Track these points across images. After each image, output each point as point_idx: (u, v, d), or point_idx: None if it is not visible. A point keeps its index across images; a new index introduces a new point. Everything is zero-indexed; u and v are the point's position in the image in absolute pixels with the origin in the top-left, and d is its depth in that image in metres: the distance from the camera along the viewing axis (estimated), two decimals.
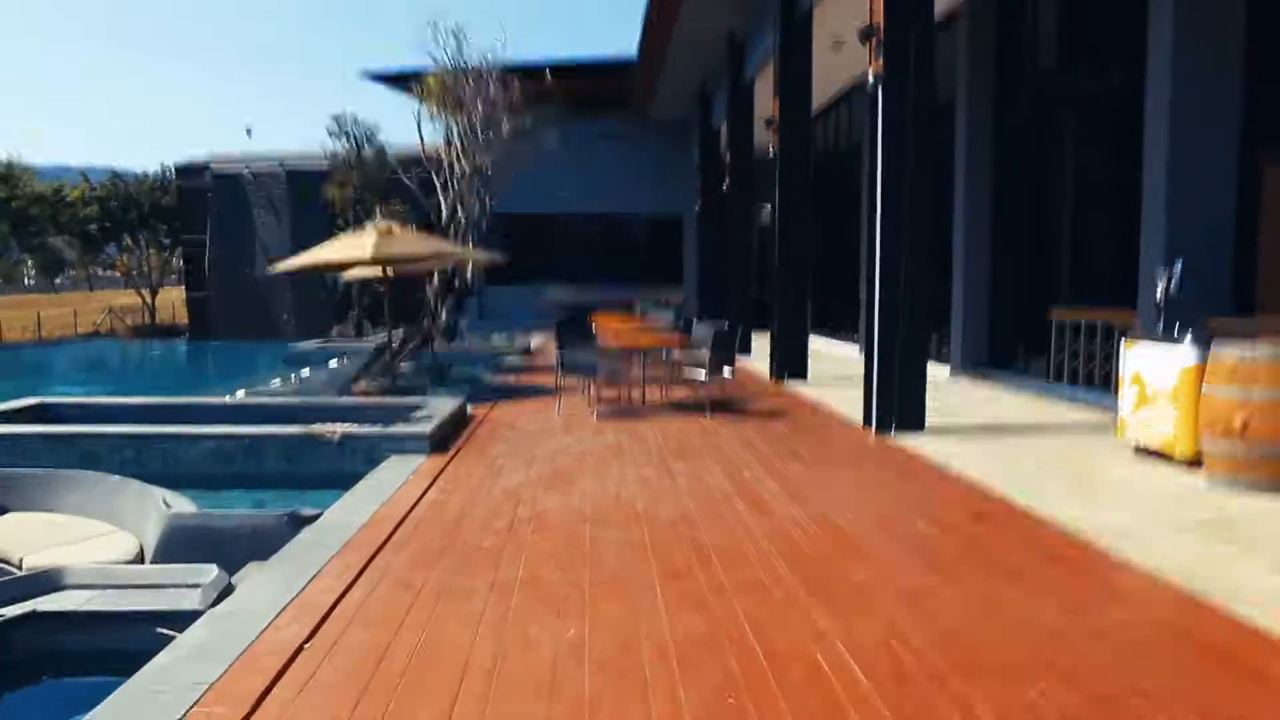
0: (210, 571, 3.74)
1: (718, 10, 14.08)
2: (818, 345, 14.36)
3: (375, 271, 12.31)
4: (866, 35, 7.49)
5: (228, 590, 3.65)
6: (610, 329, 12.24)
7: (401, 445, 6.52)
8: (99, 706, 2.58)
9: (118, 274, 53.42)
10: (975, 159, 10.82)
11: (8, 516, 5.33)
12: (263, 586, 3.69)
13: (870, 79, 7.48)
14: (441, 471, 5.97)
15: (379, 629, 3.30)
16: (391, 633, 3.26)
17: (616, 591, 3.69)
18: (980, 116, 10.77)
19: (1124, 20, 7.83)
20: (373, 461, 6.23)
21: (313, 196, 26.37)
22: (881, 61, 7.21)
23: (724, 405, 9.03)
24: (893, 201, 7.25)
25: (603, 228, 26.97)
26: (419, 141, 19.62)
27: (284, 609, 3.44)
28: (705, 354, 8.77)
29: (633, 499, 5.23)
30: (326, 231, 21.61)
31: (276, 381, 12.78)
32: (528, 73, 19.04)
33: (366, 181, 24.58)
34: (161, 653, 2.96)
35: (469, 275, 19.49)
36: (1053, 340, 9.28)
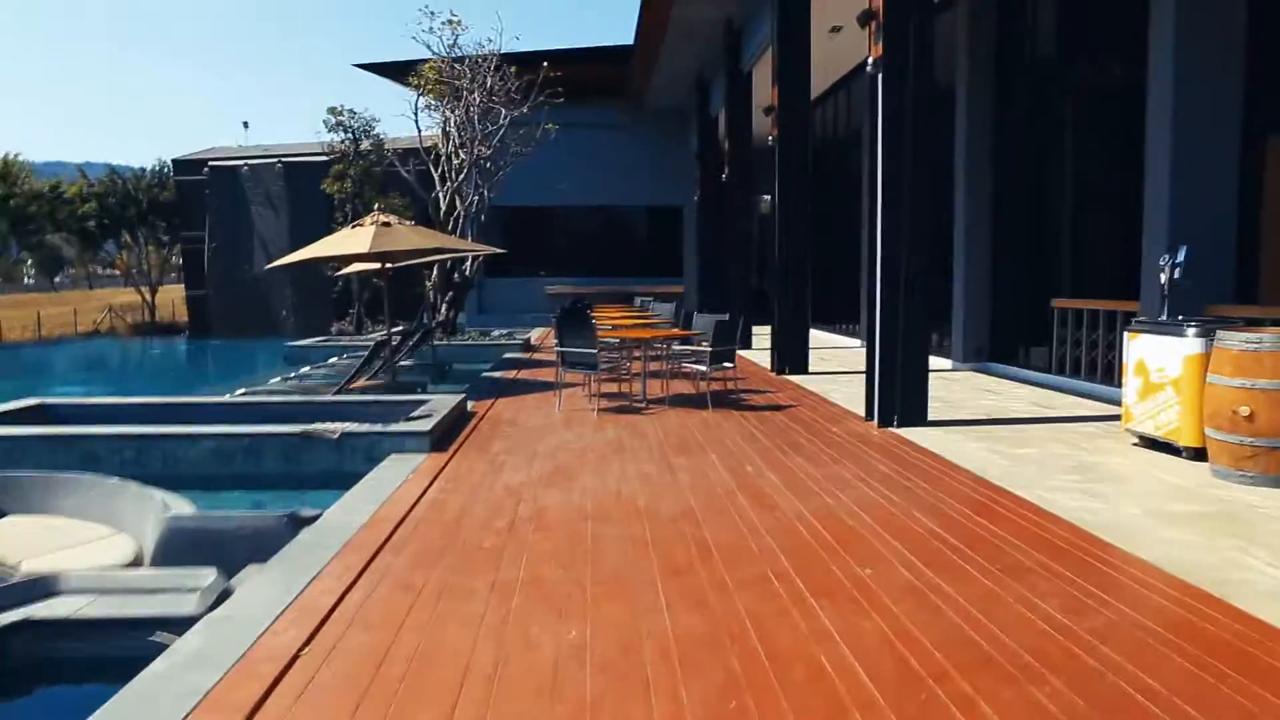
0: (208, 575, 3.72)
1: None
2: (819, 337, 14.33)
3: (374, 266, 12.26)
4: (866, 19, 7.42)
5: (226, 594, 3.62)
6: (610, 322, 12.21)
7: (401, 443, 6.49)
8: (92, 716, 2.54)
9: (117, 272, 53.39)
10: (976, 150, 10.76)
11: (5, 520, 5.30)
12: (261, 589, 3.66)
13: (870, 64, 7.42)
14: (442, 470, 5.94)
15: (378, 632, 3.27)
16: (391, 635, 3.23)
17: (618, 591, 3.66)
18: (981, 107, 10.71)
19: (1126, 10, 7.76)
20: (373, 460, 6.20)
21: (311, 190, 26.31)
22: (881, 46, 7.14)
23: (725, 399, 8.99)
24: (894, 190, 7.19)
25: (602, 220, 26.91)
26: (416, 134, 19.55)
27: (282, 612, 3.40)
28: (706, 347, 8.73)
29: (634, 495, 5.20)
30: (325, 226, 21.58)
31: (276, 380, 12.74)
32: (525, 62, 18.95)
33: (364, 175, 24.53)
34: (157, 659, 2.92)
35: (469, 269, 19.41)
36: (1054, 331, 9.24)
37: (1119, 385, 6.57)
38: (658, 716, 2.61)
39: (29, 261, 64.92)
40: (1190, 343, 5.66)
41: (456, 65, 18.50)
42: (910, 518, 4.65)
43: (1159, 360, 5.93)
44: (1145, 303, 7.03)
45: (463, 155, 18.57)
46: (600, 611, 3.43)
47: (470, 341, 18.27)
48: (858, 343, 14.66)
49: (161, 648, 3.01)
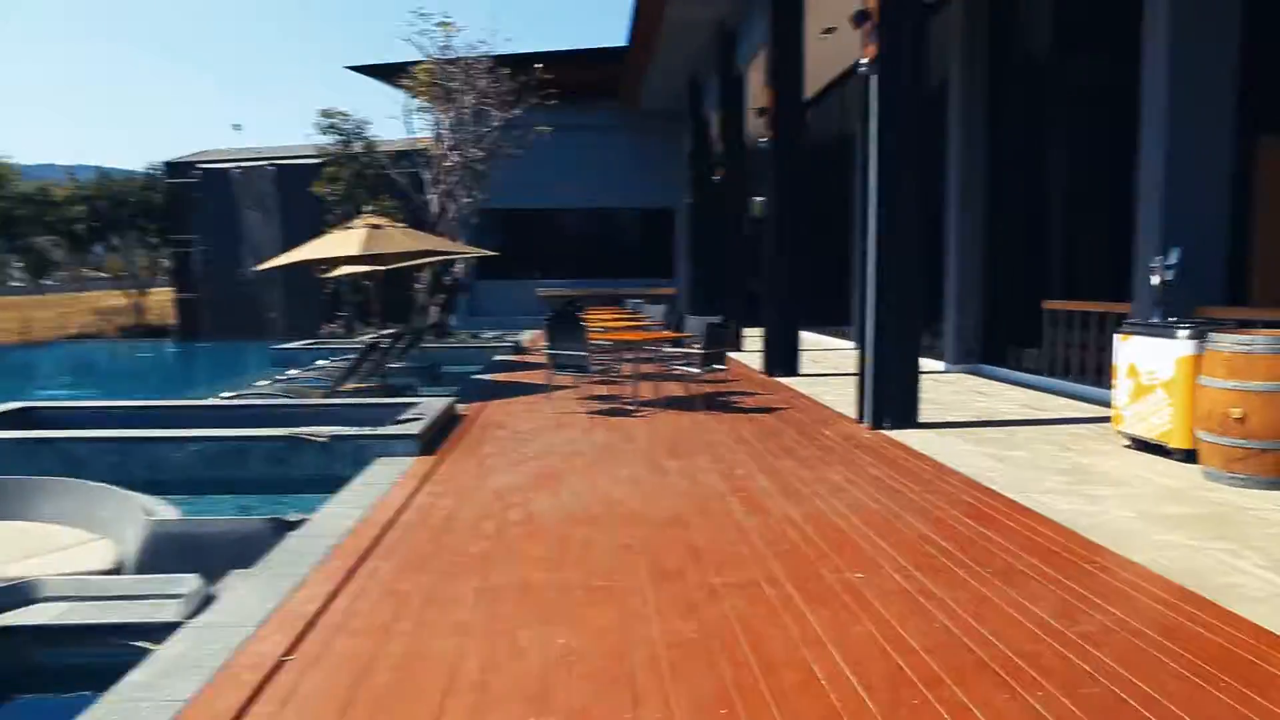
0: (191, 581, 3.65)
1: None
2: (810, 339, 14.32)
3: (365, 268, 12.19)
4: (860, 20, 7.41)
5: (209, 600, 3.56)
6: (602, 325, 12.17)
7: (390, 447, 6.43)
8: None
9: (106, 275, 53.06)
10: (968, 151, 10.77)
11: None
12: (245, 596, 3.60)
13: (863, 64, 7.40)
14: (430, 473, 5.88)
15: (364, 638, 3.22)
16: (377, 642, 3.18)
17: (607, 596, 3.62)
18: (973, 108, 10.72)
19: (1119, 10, 7.77)
20: (360, 464, 6.14)
21: (302, 193, 26.17)
22: (875, 47, 7.13)
23: (716, 401, 8.96)
24: (885, 191, 7.18)
25: (594, 222, 26.86)
26: (408, 136, 19.49)
27: (266, 619, 3.35)
28: (697, 349, 8.70)
29: (624, 499, 5.15)
30: (316, 228, 21.46)
31: (263, 383, 12.64)
32: (517, 63, 18.90)
33: (356, 177, 24.42)
34: (137, 668, 2.87)
35: (459, 271, 19.35)
36: (1045, 333, 9.24)
37: (1110, 387, 6.56)
38: None
39: (18, 263, 64.48)
40: (1182, 345, 5.65)
41: (449, 67, 18.45)
42: (901, 521, 4.62)
43: (1150, 362, 5.93)
44: (1137, 304, 7.03)
45: (454, 157, 18.51)
46: (589, 617, 3.39)
47: (461, 344, 18.20)
48: (849, 345, 14.66)
49: (145, 654, 2.95)
